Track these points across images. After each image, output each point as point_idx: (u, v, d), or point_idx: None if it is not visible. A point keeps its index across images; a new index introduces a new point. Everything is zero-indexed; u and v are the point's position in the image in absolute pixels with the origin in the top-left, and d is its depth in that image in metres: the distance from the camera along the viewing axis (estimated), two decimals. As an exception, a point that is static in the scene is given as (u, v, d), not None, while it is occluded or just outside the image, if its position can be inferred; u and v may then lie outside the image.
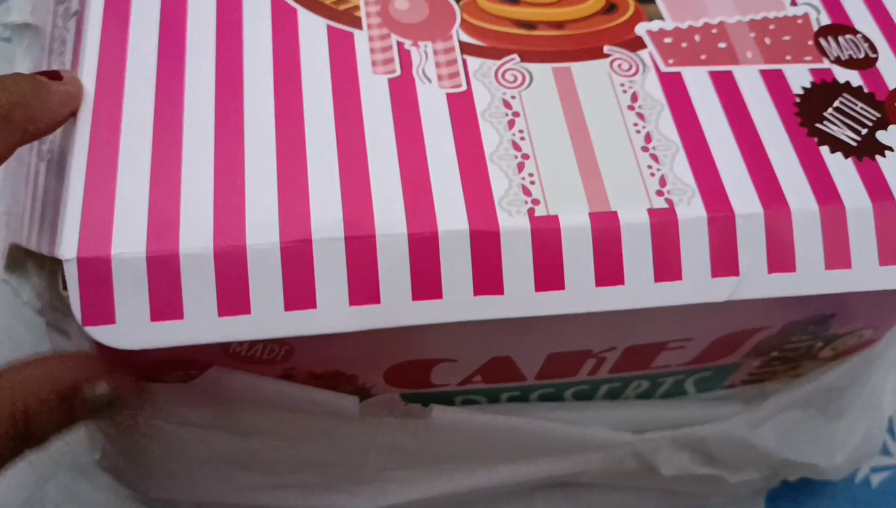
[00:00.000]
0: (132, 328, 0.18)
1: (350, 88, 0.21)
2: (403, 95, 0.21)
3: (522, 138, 0.21)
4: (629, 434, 0.26)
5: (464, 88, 0.22)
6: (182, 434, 0.23)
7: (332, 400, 0.22)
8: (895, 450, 0.34)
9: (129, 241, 0.18)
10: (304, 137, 0.20)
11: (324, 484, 0.25)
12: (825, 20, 0.24)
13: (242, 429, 0.23)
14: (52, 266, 0.23)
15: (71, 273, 0.18)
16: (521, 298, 0.20)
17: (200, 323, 0.18)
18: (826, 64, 0.23)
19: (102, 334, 0.18)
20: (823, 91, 0.23)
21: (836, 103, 0.23)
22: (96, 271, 0.18)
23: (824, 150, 0.22)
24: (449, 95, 0.21)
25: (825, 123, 0.22)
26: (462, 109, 0.21)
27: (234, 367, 0.21)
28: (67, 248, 0.18)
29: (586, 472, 0.27)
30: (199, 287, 0.18)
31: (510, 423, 0.25)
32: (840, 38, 0.24)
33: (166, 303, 0.18)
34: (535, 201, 0.20)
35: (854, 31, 0.24)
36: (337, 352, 0.22)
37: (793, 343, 0.26)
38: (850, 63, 0.24)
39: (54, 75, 0.20)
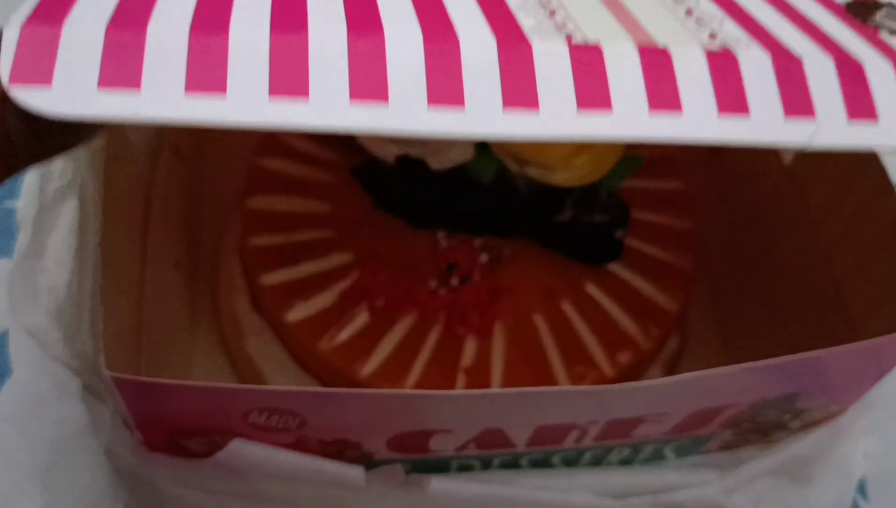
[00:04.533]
0: (72, 92, 0.15)
1: None
2: None
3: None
4: (611, 500, 0.28)
5: None
6: (200, 500, 0.24)
7: (340, 471, 0.24)
8: (866, 511, 0.36)
9: (88, 16, 0.16)
10: None
11: (328, 546, 0.27)
12: None
13: (257, 497, 0.24)
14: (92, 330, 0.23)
15: (9, 38, 0.15)
16: (560, 116, 0.17)
17: (161, 97, 0.15)
18: None
19: (32, 97, 0.15)
20: (870, 4, 0.21)
21: (884, 10, 0.21)
22: (40, 34, 0.15)
23: (884, 34, 0.20)
24: None
25: (878, 17, 0.21)
26: None
27: (251, 434, 0.23)
28: (13, 21, 0.15)
29: (571, 535, 0.29)
30: (164, 56, 0.15)
31: (502, 492, 0.26)
32: None
33: (121, 69, 0.15)
34: (572, 34, 0.18)
35: None
36: (345, 422, 0.24)
37: (763, 417, 0.28)
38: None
39: None
